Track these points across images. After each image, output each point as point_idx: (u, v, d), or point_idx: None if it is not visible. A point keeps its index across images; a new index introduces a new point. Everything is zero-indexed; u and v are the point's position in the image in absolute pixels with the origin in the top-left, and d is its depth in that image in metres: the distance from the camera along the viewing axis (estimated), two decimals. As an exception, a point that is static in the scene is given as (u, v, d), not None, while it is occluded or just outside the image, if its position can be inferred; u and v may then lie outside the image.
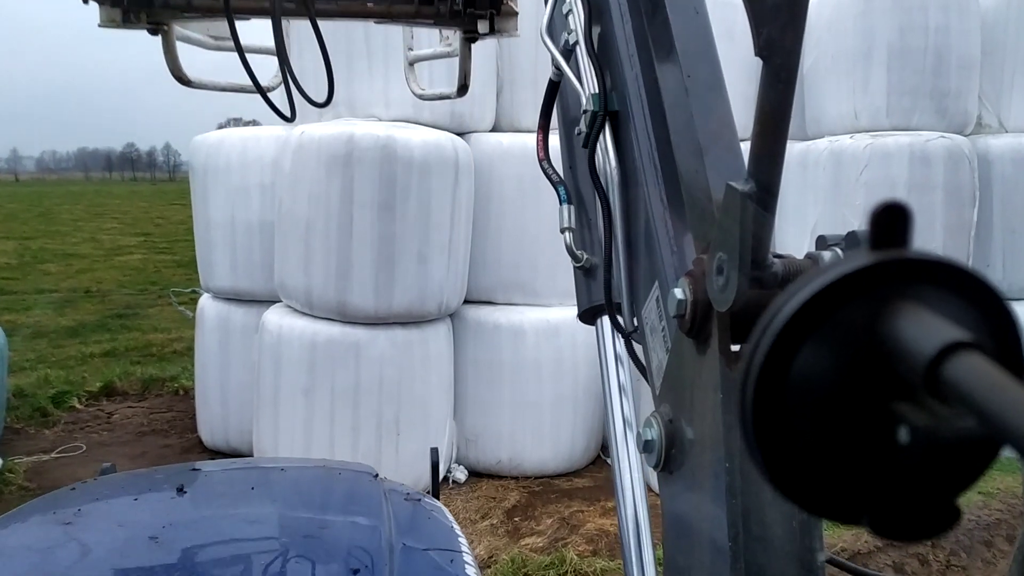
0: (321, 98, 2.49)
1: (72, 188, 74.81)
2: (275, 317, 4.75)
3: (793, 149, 5.32)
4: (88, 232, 24.45)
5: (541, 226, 4.95)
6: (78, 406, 6.57)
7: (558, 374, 5.00)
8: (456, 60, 2.64)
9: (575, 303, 4.28)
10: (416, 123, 4.70)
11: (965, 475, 0.39)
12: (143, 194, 58.39)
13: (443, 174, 4.54)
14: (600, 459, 5.38)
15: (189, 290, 8.44)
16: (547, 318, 4.98)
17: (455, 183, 4.61)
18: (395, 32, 4.86)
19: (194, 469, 1.93)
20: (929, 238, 4.70)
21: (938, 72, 5.00)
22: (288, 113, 2.49)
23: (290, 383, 4.62)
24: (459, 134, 4.85)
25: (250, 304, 5.23)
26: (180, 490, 1.67)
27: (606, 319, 1.10)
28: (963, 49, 5.04)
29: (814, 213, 5.00)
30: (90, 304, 11.75)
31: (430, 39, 3.35)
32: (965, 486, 0.39)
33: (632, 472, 1.09)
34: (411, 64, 2.02)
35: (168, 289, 10.59)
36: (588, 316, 1.19)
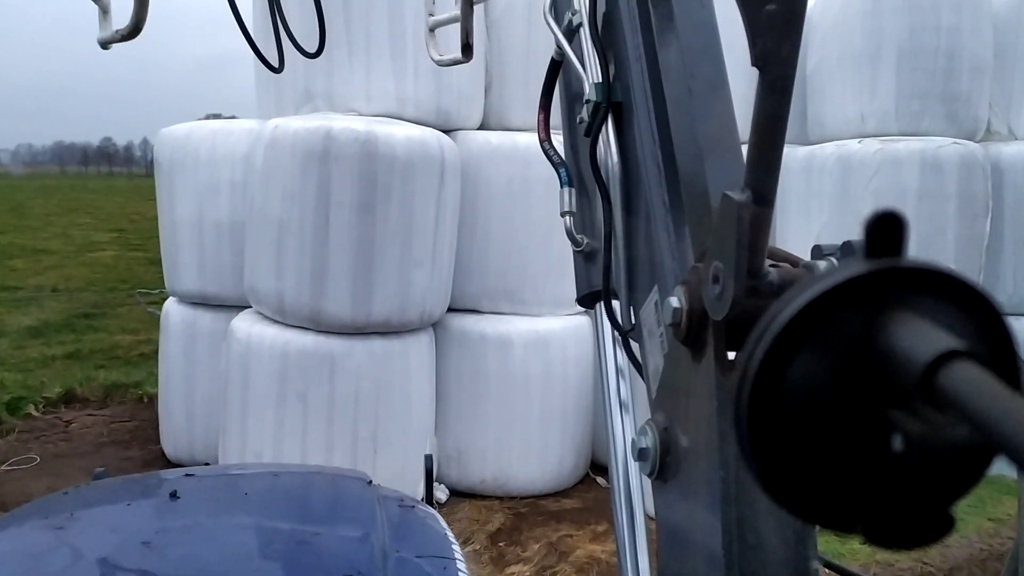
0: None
1: (47, 182, 73.59)
2: (244, 324, 4.42)
3: (797, 154, 5.07)
4: (60, 227, 23.83)
5: (530, 231, 4.68)
6: (34, 413, 6.19)
7: (547, 388, 4.71)
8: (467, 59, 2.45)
9: (566, 313, 3.95)
10: (399, 119, 4.40)
11: (959, 483, 0.39)
12: (119, 189, 57.45)
13: (428, 173, 4.23)
14: (589, 478, 5.10)
15: (157, 291, 8.07)
16: (536, 328, 4.70)
17: (440, 183, 4.31)
18: (377, 21, 4.57)
19: (187, 475, 1.88)
20: (941, 250, 4.47)
21: (950, 75, 4.77)
22: (276, 63, 2.37)
23: (259, 396, 4.29)
24: (445, 131, 4.55)
25: (218, 309, 4.89)
26: (173, 495, 1.65)
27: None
28: (975, 51, 4.81)
29: (819, 222, 4.75)
30: (56, 303, 11.31)
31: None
32: (959, 495, 0.39)
33: (629, 459, 1.04)
34: (431, 30, 1.90)
35: (137, 288, 10.21)
36: (587, 300, 1.16)
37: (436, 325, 4.67)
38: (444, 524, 1.70)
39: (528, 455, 4.74)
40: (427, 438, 4.54)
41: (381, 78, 4.46)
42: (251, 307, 4.58)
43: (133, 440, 5.69)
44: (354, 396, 4.24)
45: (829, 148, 4.82)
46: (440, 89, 4.58)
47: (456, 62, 2.12)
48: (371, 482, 1.84)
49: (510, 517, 4.57)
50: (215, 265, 4.86)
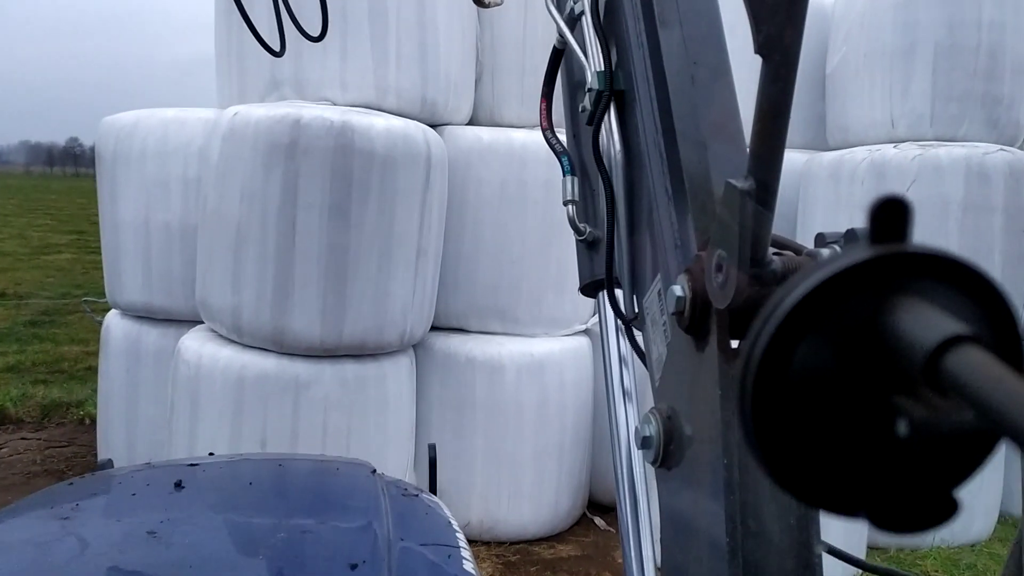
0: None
1: (10, 182, 71.95)
2: (194, 343, 3.82)
3: (822, 160, 4.59)
4: (16, 228, 22.93)
5: (526, 240, 4.14)
6: (-40, 437, 5.52)
7: (542, 419, 4.17)
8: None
9: (564, 334, 3.68)
10: (378, 110, 3.84)
11: (964, 468, 0.39)
12: (84, 190, 55.94)
13: (411, 172, 3.67)
14: (586, 519, 4.55)
15: (104, 299, 7.42)
16: (530, 351, 4.15)
17: (425, 184, 3.75)
18: (354, 1, 4.03)
19: (192, 464, 1.88)
20: (986, 268, 3.98)
21: (991, 75, 4.31)
22: (277, 47, 2.36)
23: (210, 427, 3.70)
24: (430, 126, 4.00)
25: (166, 324, 4.30)
26: (178, 485, 1.65)
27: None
28: (1019, 50, 4.36)
29: (848, 235, 4.26)
30: (3, 308, 10.57)
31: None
32: (964, 479, 0.40)
33: (632, 447, 1.03)
34: None
35: (87, 295, 9.52)
36: (590, 289, 1.15)
37: (417, 346, 4.11)
38: (447, 512, 1.69)
39: (519, 495, 4.19)
40: (405, 477, 3.96)
41: (358, 63, 3.91)
42: (203, 323, 3.98)
43: (69, 469, 5.04)
44: (322, 429, 3.66)
45: (860, 153, 4.33)
46: (426, 78, 4.03)
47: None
48: (375, 471, 1.84)
49: (499, 567, 4.01)
50: (163, 274, 4.26)
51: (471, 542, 4.12)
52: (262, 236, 3.58)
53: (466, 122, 4.39)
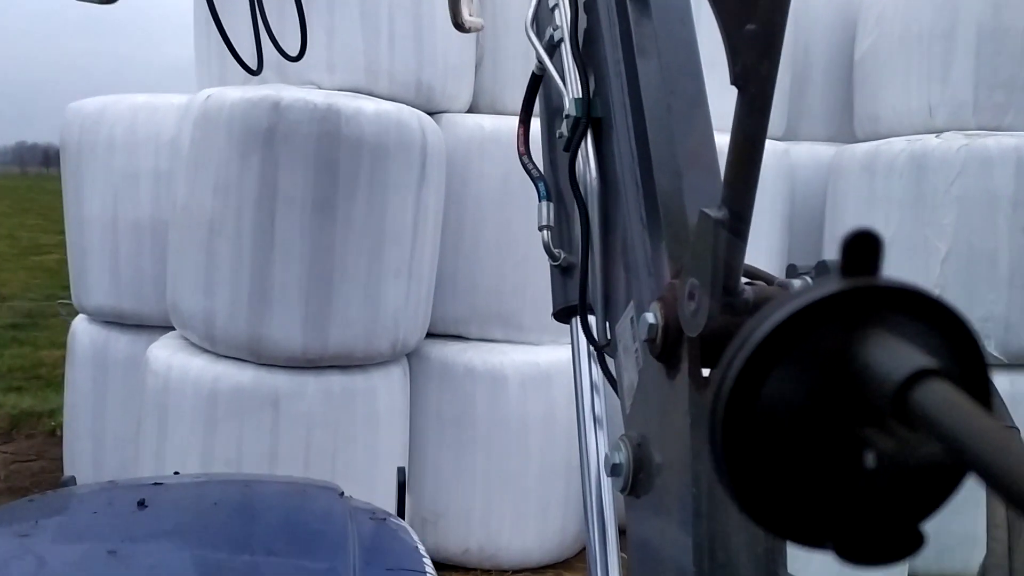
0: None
1: (5, 183, 71.96)
2: (163, 352, 3.49)
3: (855, 152, 4.25)
4: (7, 228, 22.67)
5: (530, 239, 3.73)
6: (-79, 450, 5.19)
7: (548, 434, 3.84)
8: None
9: (571, 342, 3.33)
10: (369, 95, 3.51)
11: (930, 501, 0.40)
12: (79, 191, 55.89)
13: (405, 162, 3.36)
14: (596, 543, 4.20)
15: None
16: (536, 361, 3.84)
17: (421, 176, 3.43)
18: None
19: (156, 483, 1.81)
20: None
21: (1039, 60, 3.95)
22: (255, 66, 2.36)
23: (179, 445, 3.38)
24: (427, 113, 3.68)
25: (136, 331, 3.98)
26: (141, 504, 1.63)
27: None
28: (1069, 32, 4.01)
29: (885, 233, 3.89)
30: (-17, 311, 10.25)
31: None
32: (930, 512, 0.40)
33: (602, 474, 1.04)
34: None
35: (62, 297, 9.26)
36: (563, 315, 1.19)
37: (411, 355, 3.80)
38: (415, 537, 1.72)
39: (523, 518, 3.87)
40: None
41: (347, 43, 3.59)
42: (175, 330, 3.64)
43: (34, 486, 4.69)
44: (304, 447, 3.35)
45: (898, 144, 3.98)
46: (421, 60, 3.71)
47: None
48: (343, 493, 1.85)
49: (501, 599, 3.68)
50: (132, 275, 3.95)
51: (470, 569, 3.78)
52: (237, 233, 3.27)
53: (465, 110, 4.09)
